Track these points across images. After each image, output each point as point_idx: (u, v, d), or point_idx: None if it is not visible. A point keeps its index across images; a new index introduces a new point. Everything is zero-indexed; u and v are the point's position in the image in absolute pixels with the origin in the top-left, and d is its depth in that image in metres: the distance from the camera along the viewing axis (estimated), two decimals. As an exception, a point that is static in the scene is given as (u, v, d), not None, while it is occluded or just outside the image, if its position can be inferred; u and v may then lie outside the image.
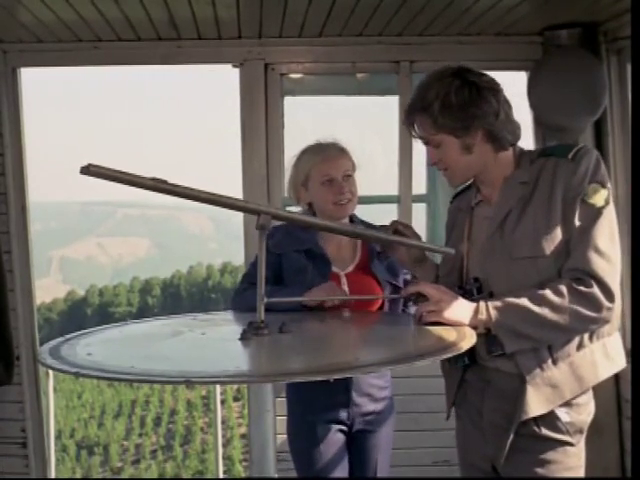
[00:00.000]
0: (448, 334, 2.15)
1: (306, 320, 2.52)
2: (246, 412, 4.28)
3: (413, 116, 2.26)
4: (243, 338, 2.11)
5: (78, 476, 31.57)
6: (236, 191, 4.01)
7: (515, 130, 2.24)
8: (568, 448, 2.17)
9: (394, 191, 4.12)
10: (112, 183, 2.00)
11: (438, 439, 4.10)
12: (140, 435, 38.42)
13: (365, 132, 3.95)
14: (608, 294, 2.09)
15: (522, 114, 4.01)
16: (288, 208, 3.35)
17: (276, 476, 2.54)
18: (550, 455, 2.17)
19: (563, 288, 2.10)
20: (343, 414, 2.75)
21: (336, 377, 1.85)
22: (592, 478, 4.03)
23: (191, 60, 4.05)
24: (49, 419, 4.27)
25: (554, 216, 2.14)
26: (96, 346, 2.16)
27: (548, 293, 2.10)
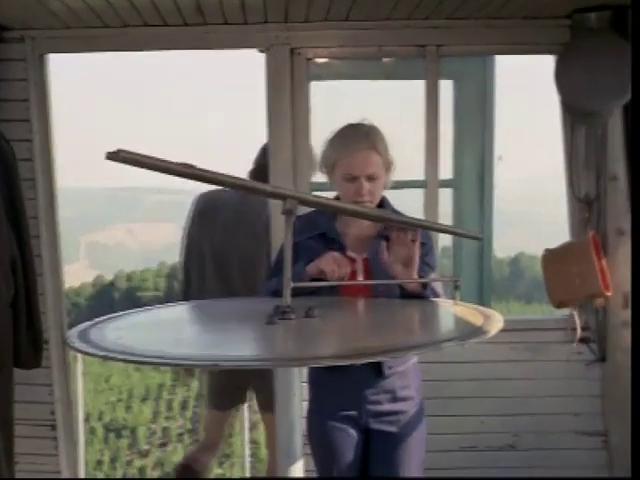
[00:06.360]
0: (475, 319, 2.15)
1: (333, 305, 2.53)
2: (272, 396, 4.35)
3: None
4: (270, 322, 2.12)
5: (106, 458, 31.90)
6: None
7: None
8: None
9: (420, 176, 4.10)
10: (141, 169, 2.01)
11: (465, 425, 4.10)
12: (167, 418, 38.68)
13: (391, 117, 3.93)
14: None
15: (550, 98, 3.99)
16: (316, 193, 3.34)
17: (302, 460, 2.55)
18: None
19: None
20: (353, 411, 2.72)
21: (363, 361, 1.86)
22: (592, 478, 4.02)
23: (217, 45, 4.04)
24: (77, 402, 4.32)
25: None
26: (124, 330, 2.19)
27: None
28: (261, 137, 4.14)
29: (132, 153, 1.92)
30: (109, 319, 2.34)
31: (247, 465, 5.39)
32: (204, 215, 3.99)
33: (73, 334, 2.11)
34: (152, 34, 3.93)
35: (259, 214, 3.90)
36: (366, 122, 2.74)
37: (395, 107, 4.48)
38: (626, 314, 3.96)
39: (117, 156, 1.90)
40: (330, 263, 2.57)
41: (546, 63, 4.01)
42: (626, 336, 3.98)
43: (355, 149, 2.66)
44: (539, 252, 3.99)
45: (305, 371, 3.00)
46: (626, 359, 3.96)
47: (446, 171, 4.36)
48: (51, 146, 4.02)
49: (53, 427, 4.10)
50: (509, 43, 4.02)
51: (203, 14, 3.75)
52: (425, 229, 2.69)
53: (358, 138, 2.68)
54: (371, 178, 2.66)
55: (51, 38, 3.92)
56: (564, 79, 3.80)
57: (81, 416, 4.39)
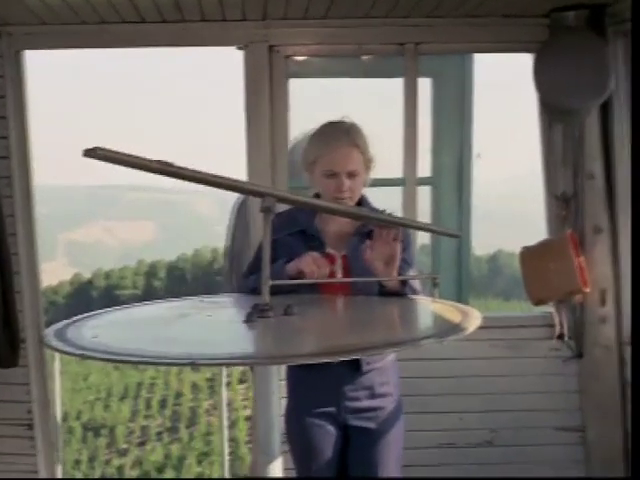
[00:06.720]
0: (453, 316, 2.16)
1: (312, 303, 2.53)
2: (251, 394, 4.34)
3: None
4: (248, 320, 2.12)
5: (84, 457, 31.74)
6: (241, 174, 4.01)
7: None
8: None
9: (399, 174, 4.11)
10: (119, 167, 2.00)
11: (444, 422, 4.12)
12: (146, 417, 38.55)
13: (370, 114, 3.94)
14: None
15: (528, 96, 4.01)
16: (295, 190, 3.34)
17: (281, 458, 2.55)
18: None
19: None
20: (332, 408, 2.72)
21: (342, 359, 1.86)
22: (591, 478, 4.06)
23: (195, 42, 4.02)
24: (55, 401, 4.29)
25: None
26: (102, 328, 2.18)
27: None
28: (241, 135, 4.13)
29: (109, 150, 1.91)
30: (86, 317, 2.33)
31: (226, 463, 5.37)
32: (239, 216, 4.10)
33: (50, 333, 2.10)
34: (130, 31, 3.91)
35: None
36: (346, 120, 2.75)
37: (374, 105, 4.48)
38: (603, 311, 4.00)
39: (94, 153, 1.89)
40: (310, 264, 2.57)
41: (523, 61, 4.04)
42: (603, 332, 4.02)
43: (336, 146, 2.66)
44: (517, 249, 4.01)
45: (283, 369, 3.00)
46: (603, 355, 4.00)
47: (424, 169, 4.37)
48: (28, 143, 3.99)
49: (30, 426, 4.07)
50: (488, 41, 4.03)
51: (181, 11, 3.73)
52: (404, 227, 2.70)
53: (339, 135, 2.68)
54: (351, 175, 2.67)
55: (28, 34, 3.89)
56: (542, 77, 3.82)
57: (59, 415, 4.37)
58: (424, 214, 4.44)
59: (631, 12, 2.22)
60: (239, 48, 3.99)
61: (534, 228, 4.58)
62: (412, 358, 3.71)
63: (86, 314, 2.37)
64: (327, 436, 2.73)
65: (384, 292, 2.63)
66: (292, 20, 3.92)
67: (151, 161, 1.98)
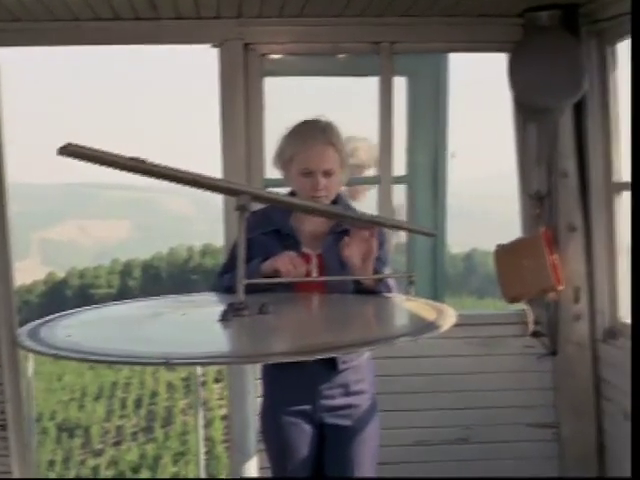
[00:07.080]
0: (428, 314, 2.17)
1: (287, 301, 2.53)
2: (227, 393, 4.33)
3: None
4: (223, 319, 2.11)
5: (59, 458, 31.51)
6: (216, 173, 3.99)
7: None
8: None
9: (374, 172, 4.12)
10: (94, 165, 1.98)
11: (419, 419, 4.13)
12: (121, 417, 38.37)
13: (346, 113, 3.94)
14: None
15: (503, 95, 4.03)
16: (271, 189, 3.33)
17: (256, 457, 2.55)
18: None
19: None
20: (307, 406, 2.71)
21: (317, 357, 1.86)
22: (590, 478, 4.08)
23: (170, 40, 4.00)
24: (29, 401, 4.25)
25: None
26: (76, 328, 2.16)
27: None
28: (216, 134, 4.11)
29: (82, 147, 1.90)
30: (60, 317, 2.31)
31: (202, 463, 5.36)
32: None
33: (23, 332, 2.08)
34: (104, 28, 3.88)
35: None
36: (322, 118, 2.75)
37: (349, 103, 4.48)
38: (576, 308, 4.03)
39: (67, 150, 1.87)
40: (286, 263, 2.57)
41: (498, 61, 4.05)
42: (577, 329, 4.05)
43: (312, 144, 2.67)
44: (492, 248, 4.03)
45: (259, 367, 2.99)
46: (577, 352, 4.03)
47: (400, 167, 4.39)
48: (1, 141, 3.95)
49: (3, 427, 4.03)
50: (462, 41, 4.05)
51: (156, 8, 3.71)
52: (380, 226, 2.70)
53: (315, 134, 2.69)
54: (327, 174, 2.67)
55: (1, 31, 3.84)
56: (517, 76, 3.85)
57: (33, 416, 4.33)
58: (399, 213, 4.45)
59: (631, 12, 2.23)
60: (214, 46, 3.98)
61: (509, 227, 4.61)
62: (387, 356, 3.72)
63: (60, 313, 2.35)
64: (302, 434, 2.73)
65: (359, 290, 2.64)
66: (267, 18, 3.91)
67: (124, 158, 1.97)
